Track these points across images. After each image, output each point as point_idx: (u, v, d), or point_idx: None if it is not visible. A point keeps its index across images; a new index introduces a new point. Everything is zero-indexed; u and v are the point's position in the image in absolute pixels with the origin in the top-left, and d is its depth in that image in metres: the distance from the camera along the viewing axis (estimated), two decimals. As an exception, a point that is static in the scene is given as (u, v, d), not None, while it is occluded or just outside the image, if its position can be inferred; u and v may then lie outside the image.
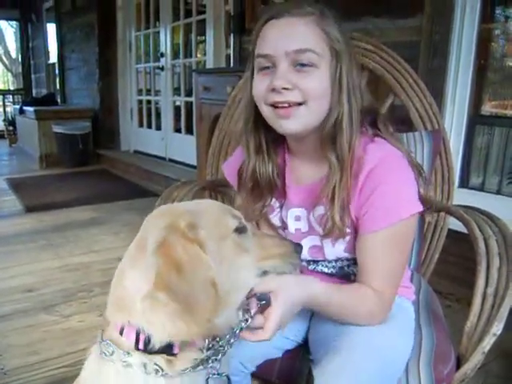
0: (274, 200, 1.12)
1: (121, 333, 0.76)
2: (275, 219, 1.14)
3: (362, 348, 0.91)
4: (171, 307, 0.70)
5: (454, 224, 1.40)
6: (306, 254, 1.09)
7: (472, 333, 1.02)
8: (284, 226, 1.13)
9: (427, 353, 1.03)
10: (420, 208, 0.95)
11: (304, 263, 1.12)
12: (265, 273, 0.84)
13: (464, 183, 2.55)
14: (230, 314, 0.80)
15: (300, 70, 0.93)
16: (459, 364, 1.03)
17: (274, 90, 0.93)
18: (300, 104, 0.94)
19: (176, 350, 0.75)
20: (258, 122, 1.04)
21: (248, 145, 1.07)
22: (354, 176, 0.96)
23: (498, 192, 2.49)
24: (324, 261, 1.11)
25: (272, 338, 0.83)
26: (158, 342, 0.73)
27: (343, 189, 0.95)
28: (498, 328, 0.98)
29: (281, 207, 1.12)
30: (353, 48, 1.03)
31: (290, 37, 0.93)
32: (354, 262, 1.06)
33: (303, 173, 1.08)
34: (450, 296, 2.18)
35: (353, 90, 0.97)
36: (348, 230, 0.99)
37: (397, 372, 0.96)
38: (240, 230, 0.81)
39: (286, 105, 0.94)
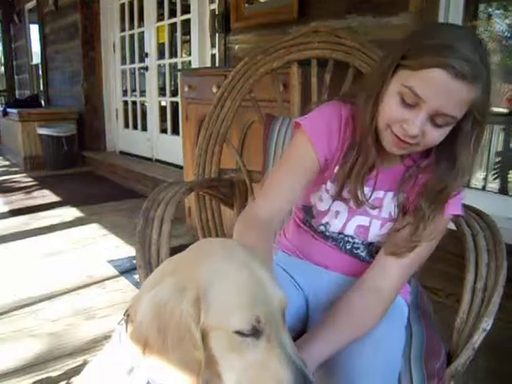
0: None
1: None
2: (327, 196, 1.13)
3: (368, 341, 0.96)
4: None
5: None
6: (351, 231, 1.13)
7: (462, 328, 1.03)
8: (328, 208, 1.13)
9: (418, 349, 1.04)
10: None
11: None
12: None
13: (450, 180, 2.55)
14: None
15: (433, 124, 0.94)
16: (450, 360, 1.04)
17: (405, 130, 0.95)
18: None
19: None
20: None
21: (371, 132, 1.02)
22: None
23: (484, 188, 2.51)
24: (352, 239, 1.13)
25: None
26: None
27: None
28: (487, 323, 0.99)
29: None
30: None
31: (448, 100, 0.91)
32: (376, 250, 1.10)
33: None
34: (439, 292, 2.19)
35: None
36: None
37: (398, 363, 0.99)
38: (248, 334, 0.68)
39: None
